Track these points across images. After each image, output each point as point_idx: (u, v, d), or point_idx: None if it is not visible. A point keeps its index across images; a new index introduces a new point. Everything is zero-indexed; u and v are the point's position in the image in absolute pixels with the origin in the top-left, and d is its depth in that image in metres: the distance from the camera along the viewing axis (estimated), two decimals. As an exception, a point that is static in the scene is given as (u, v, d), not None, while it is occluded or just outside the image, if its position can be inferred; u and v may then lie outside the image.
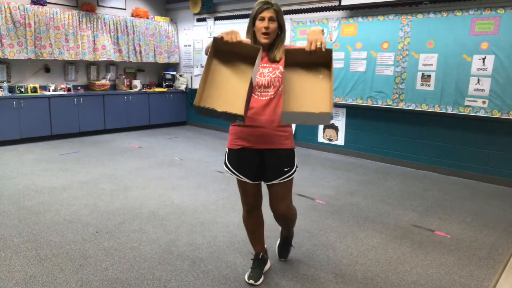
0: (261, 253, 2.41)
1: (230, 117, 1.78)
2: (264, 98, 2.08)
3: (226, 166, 2.23)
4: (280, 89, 2.08)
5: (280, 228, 2.51)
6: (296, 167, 2.22)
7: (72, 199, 3.65)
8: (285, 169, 2.16)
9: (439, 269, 2.57)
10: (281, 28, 2.09)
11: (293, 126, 5.78)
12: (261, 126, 2.08)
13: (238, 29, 1.86)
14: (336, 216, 3.42)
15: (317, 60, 1.83)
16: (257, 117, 2.06)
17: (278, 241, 2.64)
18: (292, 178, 2.21)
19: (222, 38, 1.79)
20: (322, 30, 1.86)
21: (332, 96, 1.81)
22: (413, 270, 2.55)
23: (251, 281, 2.31)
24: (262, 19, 2.03)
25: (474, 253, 2.81)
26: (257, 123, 2.07)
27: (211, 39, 1.85)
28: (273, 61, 2.09)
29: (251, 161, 2.16)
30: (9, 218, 3.19)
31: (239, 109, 1.75)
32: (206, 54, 1.93)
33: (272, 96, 2.08)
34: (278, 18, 2.06)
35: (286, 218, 2.33)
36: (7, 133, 5.81)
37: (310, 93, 1.83)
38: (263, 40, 2.05)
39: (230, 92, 1.80)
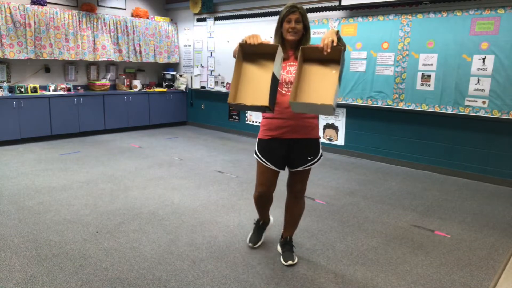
0: (262, 221, 2.75)
1: (259, 109, 2.05)
2: None
3: (256, 154, 2.46)
4: None
5: (280, 233, 2.55)
6: (321, 155, 2.45)
7: (72, 199, 3.65)
8: (309, 158, 2.41)
9: (439, 269, 2.57)
10: (306, 29, 2.32)
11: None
12: (289, 118, 2.31)
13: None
14: (336, 216, 3.42)
15: (331, 57, 2.04)
16: (285, 110, 2.28)
17: (282, 249, 2.67)
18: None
19: (246, 42, 2.05)
20: (338, 32, 2.06)
21: (335, 89, 1.99)
22: (413, 270, 2.55)
23: (250, 244, 2.72)
24: (289, 21, 2.26)
25: (474, 253, 2.81)
26: (285, 115, 2.31)
27: (237, 45, 2.11)
28: None
29: (279, 150, 2.39)
30: (9, 218, 3.19)
31: (265, 101, 2.00)
32: (234, 57, 2.17)
33: None
34: (303, 20, 2.28)
35: (300, 198, 2.56)
36: (7, 133, 5.81)
37: (318, 86, 2.06)
38: (289, 36, 2.27)
39: (256, 86, 2.07)
